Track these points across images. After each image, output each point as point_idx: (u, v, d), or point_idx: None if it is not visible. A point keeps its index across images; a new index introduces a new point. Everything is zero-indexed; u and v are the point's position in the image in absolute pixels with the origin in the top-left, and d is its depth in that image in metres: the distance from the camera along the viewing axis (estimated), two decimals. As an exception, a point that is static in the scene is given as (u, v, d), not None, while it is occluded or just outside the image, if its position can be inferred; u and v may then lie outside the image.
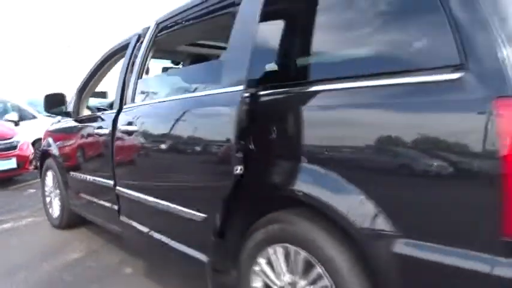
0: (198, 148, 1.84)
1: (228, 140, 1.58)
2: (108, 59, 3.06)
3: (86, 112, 3.33)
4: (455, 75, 1.10)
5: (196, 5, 2.09)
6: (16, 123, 7.37)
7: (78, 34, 20.45)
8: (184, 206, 1.88)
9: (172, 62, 3.68)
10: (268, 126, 1.54)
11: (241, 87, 1.54)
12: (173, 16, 2.28)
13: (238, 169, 1.55)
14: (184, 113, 1.94)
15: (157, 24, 2.37)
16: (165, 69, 3.61)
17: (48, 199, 3.85)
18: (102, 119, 2.75)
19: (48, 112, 3.56)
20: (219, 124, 1.70)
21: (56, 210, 3.69)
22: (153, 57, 2.49)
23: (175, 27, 2.31)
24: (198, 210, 1.78)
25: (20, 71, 18.90)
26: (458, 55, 1.10)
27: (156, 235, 2.18)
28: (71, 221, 3.54)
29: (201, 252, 1.80)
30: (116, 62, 3.04)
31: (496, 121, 1.00)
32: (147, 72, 2.46)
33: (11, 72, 18.67)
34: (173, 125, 1.97)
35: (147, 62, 2.41)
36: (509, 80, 1.00)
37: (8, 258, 3.00)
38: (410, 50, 1.27)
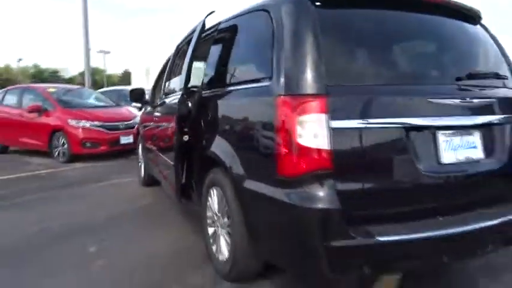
0: (170, 126, 3.02)
1: (177, 121, 2.64)
2: (165, 67, 4.30)
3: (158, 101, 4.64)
4: (268, 83, 1.90)
5: (185, 39, 3.27)
6: (140, 109, 9.38)
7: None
8: (168, 158, 3.05)
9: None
10: (196, 113, 2.68)
11: (180, 93, 2.63)
12: (179, 45, 3.43)
13: (186, 138, 2.60)
14: (166, 106, 3.32)
15: (177, 47, 3.50)
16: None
17: (139, 164, 5.33)
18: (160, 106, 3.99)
19: (132, 102, 4.99)
20: (175, 113, 2.74)
21: (142, 172, 5.14)
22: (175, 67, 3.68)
23: (181, 50, 3.46)
24: (171, 160, 2.86)
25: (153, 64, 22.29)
26: (271, 73, 1.89)
27: (165, 176, 3.42)
28: (149, 180, 4.92)
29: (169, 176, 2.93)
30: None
31: (277, 107, 1.79)
32: (170, 78, 3.65)
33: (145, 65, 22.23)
34: (162, 114, 3.44)
35: (171, 70, 3.58)
36: (283, 88, 1.78)
37: (104, 200, 4.50)
38: (255, 71, 2.12)
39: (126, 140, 7.50)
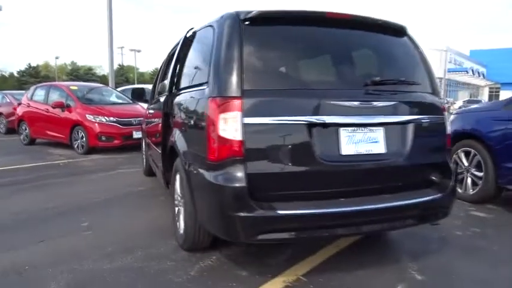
0: (159, 122, 3.55)
1: (162, 117, 3.21)
2: (159, 71, 4.87)
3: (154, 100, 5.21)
4: (205, 87, 2.38)
5: (173, 49, 3.79)
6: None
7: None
8: (158, 149, 3.62)
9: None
10: (171, 110, 3.16)
11: (166, 93, 3.21)
12: (169, 52, 3.97)
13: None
14: (157, 105, 3.84)
15: (168, 54, 4.04)
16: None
17: (142, 157, 5.93)
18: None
19: (133, 100, 5.59)
20: (161, 110, 3.29)
21: (144, 163, 5.74)
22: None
23: (171, 57, 4.00)
24: (159, 149, 3.46)
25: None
26: (207, 79, 2.37)
27: (156, 163, 3.97)
28: (150, 170, 5.48)
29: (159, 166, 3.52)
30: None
31: (208, 106, 2.27)
32: (163, 80, 4.23)
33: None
34: (154, 111, 3.89)
35: (165, 75, 4.15)
36: (211, 92, 2.25)
37: (110, 185, 5.14)
38: (200, 79, 2.58)
39: (138, 134, 8.08)
